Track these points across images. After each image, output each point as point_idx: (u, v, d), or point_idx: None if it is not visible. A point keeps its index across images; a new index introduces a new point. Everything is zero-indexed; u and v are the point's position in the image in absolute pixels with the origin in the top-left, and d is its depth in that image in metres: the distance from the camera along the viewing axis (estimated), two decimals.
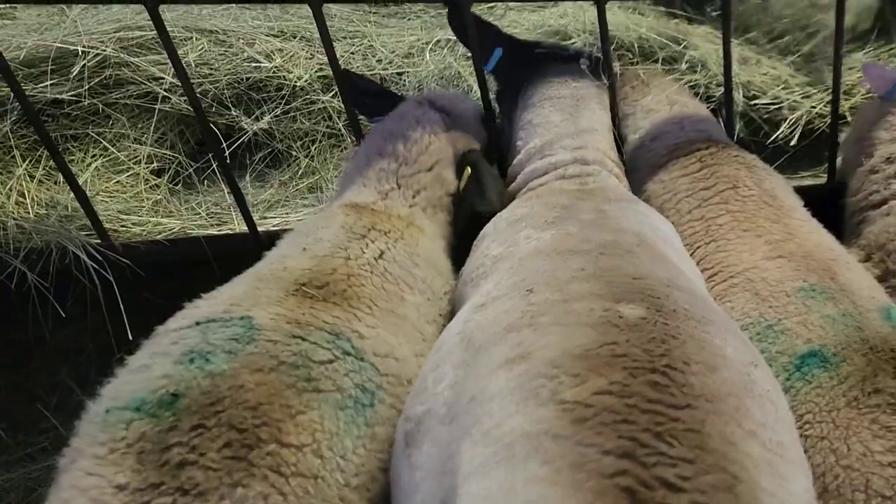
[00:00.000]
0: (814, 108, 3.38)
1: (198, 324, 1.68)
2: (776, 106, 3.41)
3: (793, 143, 3.31)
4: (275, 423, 1.50)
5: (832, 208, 2.77)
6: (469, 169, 2.39)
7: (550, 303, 1.48)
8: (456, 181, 2.43)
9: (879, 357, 1.91)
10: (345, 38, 3.57)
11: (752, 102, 3.42)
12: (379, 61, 3.49)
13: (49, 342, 2.78)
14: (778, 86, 3.50)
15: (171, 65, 2.46)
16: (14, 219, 2.60)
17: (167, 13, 3.08)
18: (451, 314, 2.04)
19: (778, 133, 3.33)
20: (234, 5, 3.45)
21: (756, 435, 1.25)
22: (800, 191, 2.57)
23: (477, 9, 3.43)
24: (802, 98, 3.45)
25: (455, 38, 2.99)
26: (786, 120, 3.36)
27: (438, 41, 3.62)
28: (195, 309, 1.76)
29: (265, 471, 1.43)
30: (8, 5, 3.37)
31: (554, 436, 1.14)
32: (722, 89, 3.02)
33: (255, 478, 1.41)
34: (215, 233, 2.76)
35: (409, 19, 3.97)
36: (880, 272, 2.53)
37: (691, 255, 2.36)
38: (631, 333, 1.35)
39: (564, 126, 2.54)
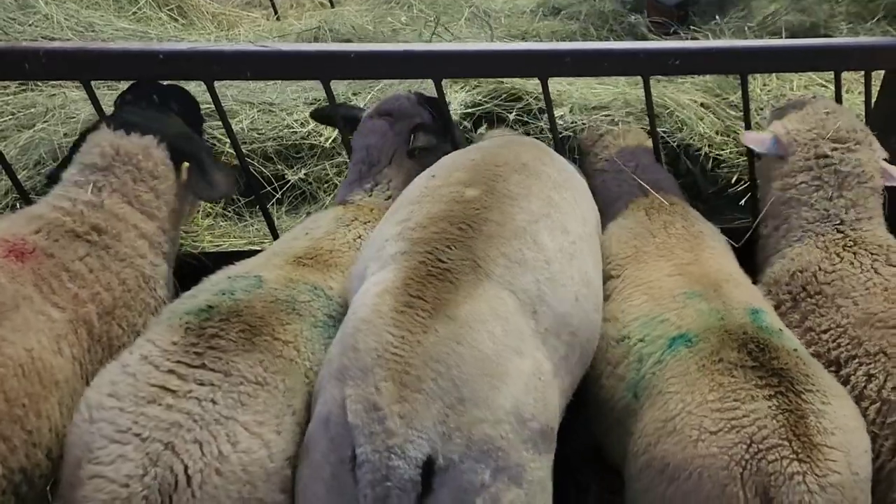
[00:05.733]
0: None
1: (229, 277, 2.64)
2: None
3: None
4: (270, 325, 2.39)
5: None
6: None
7: (435, 186, 2.51)
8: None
9: (730, 337, 2.49)
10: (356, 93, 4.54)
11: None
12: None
13: None
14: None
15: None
16: None
17: (227, 90, 4.13)
18: None
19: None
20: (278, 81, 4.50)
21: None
22: None
23: None
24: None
25: None
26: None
27: None
28: (229, 269, 2.72)
29: (261, 348, 2.31)
30: None
31: (402, 252, 2.23)
32: None
33: (254, 351, 2.29)
34: (255, 248, 3.75)
35: None
36: None
37: (621, 274, 3.01)
38: (462, 205, 2.38)
39: None
